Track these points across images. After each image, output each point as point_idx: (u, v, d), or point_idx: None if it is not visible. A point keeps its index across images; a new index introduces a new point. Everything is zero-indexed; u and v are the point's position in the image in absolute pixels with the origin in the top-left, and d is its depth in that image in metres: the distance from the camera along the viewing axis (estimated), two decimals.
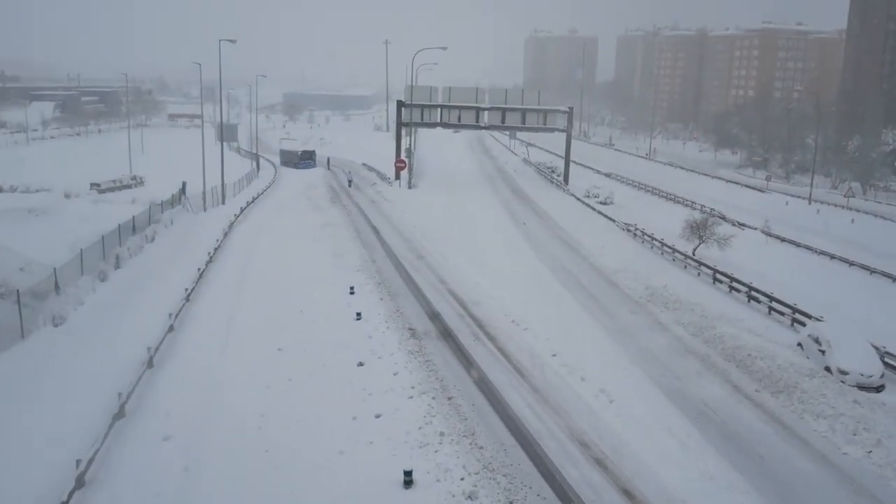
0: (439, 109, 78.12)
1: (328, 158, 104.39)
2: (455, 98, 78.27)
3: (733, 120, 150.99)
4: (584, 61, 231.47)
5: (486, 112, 78.29)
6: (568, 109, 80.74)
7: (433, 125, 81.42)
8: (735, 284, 39.11)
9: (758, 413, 24.22)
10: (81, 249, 32.32)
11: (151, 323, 28.46)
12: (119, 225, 38.78)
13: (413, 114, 78.04)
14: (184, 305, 31.42)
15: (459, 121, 79.06)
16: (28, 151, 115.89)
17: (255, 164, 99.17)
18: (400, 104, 78.44)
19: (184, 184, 58.15)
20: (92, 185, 72.03)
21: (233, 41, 61.71)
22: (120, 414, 20.99)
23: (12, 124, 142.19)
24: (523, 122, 79.45)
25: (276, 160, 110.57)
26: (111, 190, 72.06)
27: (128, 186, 75.00)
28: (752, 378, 27.02)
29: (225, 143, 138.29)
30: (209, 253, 40.72)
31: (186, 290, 33.16)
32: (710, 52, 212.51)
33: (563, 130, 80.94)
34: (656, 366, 27.98)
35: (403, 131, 79.56)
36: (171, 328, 28.47)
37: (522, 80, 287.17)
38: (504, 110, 77.91)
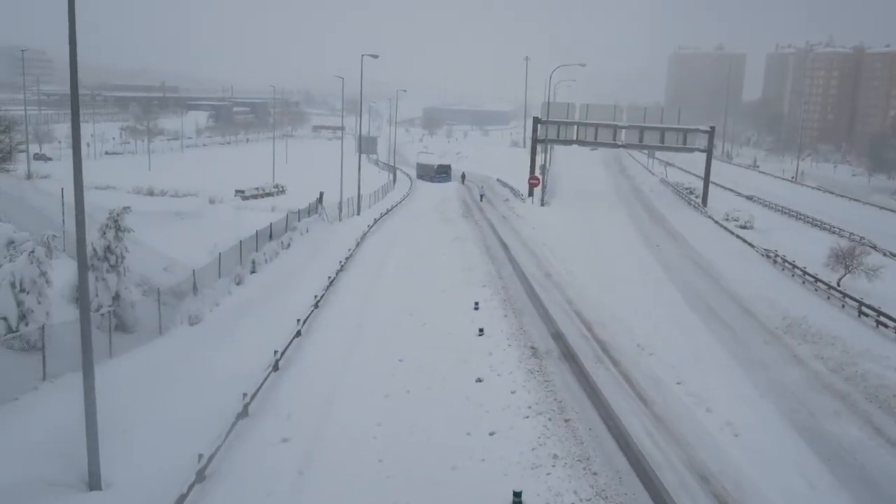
0: (576, 127, 77.69)
1: (463, 173, 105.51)
2: (592, 115, 77.63)
3: (890, 143, 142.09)
4: (729, 79, 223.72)
5: (623, 130, 77.19)
6: (709, 129, 78.28)
7: (569, 142, 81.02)
8: (882, 319, 36.61)
9: None
10: (220, 253, 34.02)
11: (280, 327, 29.55)
12: (257, 231, 40.60)
13: (549, 130, 77.88)
14: (312, 312, 32.48)
15: (596, 138, 78.28)
16: (181, 157, 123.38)
17: (391, 176, 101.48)
18: (536, 120, 78.49)
19: (321, 194, 60.14)
20: (236, 191, 75.77)
21: (375, 56, 63.50)
22: (243, 413, 21.86)
23: (170, 132, 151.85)
24: (662, 142, 77.76)
25: (413, 173, 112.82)
26: (254, 197, 75.55)
27: (270, 194, 78.42)
28: None
29: (364, 155, 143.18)
30: (340, 262, 41.98)
31: (316, 297, 34.24)
32: (867, 71, 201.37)
33: (703, 151, 78.55)
34: (789, 401, 26.54)
35: (539, 148, 79.45)
36: (298, 333, 29.46)
37: (664, 98, 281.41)
38: (642, 129, 76.56)
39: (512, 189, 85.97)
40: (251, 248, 39.35)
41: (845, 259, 44.63)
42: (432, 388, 25.39)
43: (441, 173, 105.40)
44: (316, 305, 33.59)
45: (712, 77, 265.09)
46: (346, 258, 43.85)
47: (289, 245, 45.62)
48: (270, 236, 43.33)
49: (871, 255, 45.77)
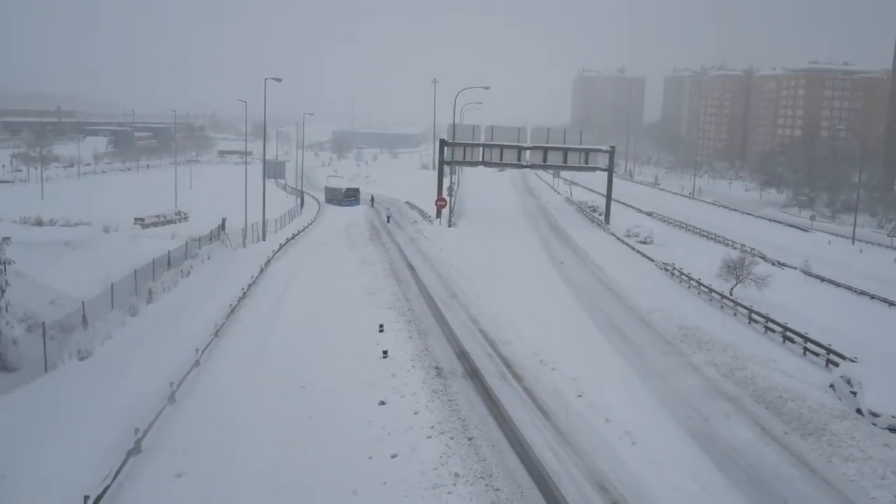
0: (482, 148, 78.67)
1: (372, 196, 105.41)
2: (497, 137, 78.80)
3: (779, 159, 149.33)
4: (630, 101, 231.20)
5: (527, 151, 78.64)
6: (609, 149, 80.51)
7: (475, 164, 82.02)
8: (770, 325, 38.36)
9: (785, 456, 23.61)
10: (112, 284, 33.01)
11: (178, 357, 28.88)
12: (153, 259, 39.59)
13: (455, 152, 78.72)
14: (212, 341, 31.84)
15: (501, 160, 79.50)
16: (78, 185, 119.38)
17: (299, 200, 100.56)
18: (443, 143, 79.23)
19: (223, 220, 59.25)
20: (136, 219, 73.79)
21: (278, 80, 63.00)
22: (136, 449, 21.20)
23: (65, 158, 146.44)
24: (565, 162, 79.56)
25: (322, 197, 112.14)
26: (155, 225, 73.76)
27: (172, 221, 76.65)
28: (782, 420, 26.38)
29: (273, 180, 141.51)
30: (243, 289, 41.31)
31: (216, 325, 33.61)
32: (756, 92, 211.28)
33: (604, 170, 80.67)
34: (684, 407, 27.48)
35: (447, 169, 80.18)
36: (196, 363, 28.85)
37: (570, 120, 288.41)
38: (546, 149, 78.19)
39: (420, 211, 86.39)
40: (148, 277, 38.31)
41: (736, 270, 46.56)
42: (335, 413, 25.22)
43: (349, 197, 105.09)
44: (216, 334, 32.96)
45: (615, 99, 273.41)
46: (249, 285, 43.18)
47: (189, 273, 44.64)
48: (168, 264, 42.32)
49: (759, 265, 47.83)
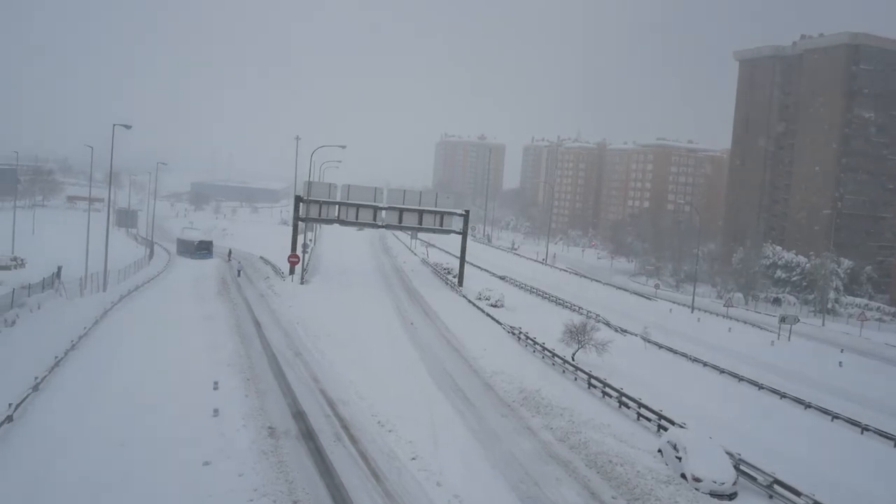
0: (337, 206, 78.28)
1: (230, 250, 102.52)
2: (354, 196, 78.67)
3: (628, 229, 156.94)
4: (488, 166, 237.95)
5: (383, 211, 78.87)
6: (464, 212, 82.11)
7: (330, 221, 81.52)
8: (607, 390, 39.54)
9: None
10: None
11: None
12: None
13: (311, 209, 77.97)
14: (28, 395, 29.62)
15: (357, 219, 79.24)
16: None
17: (148, 251, 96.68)
18: (298, 199, 78.36)
19: (59, 268, 56.14)
20: None
21: (128, 126, 60.88)
22: None
23: None
24: (420, 223, 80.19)
25: (174, 249, 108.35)
26: None
27: (6, 268, 71.76)
28: (611, 485, 27.00)
29: (124, 230, 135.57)
30: (72, 341, 38.83)
31: (36, 378, 31.36)
32: (608, 164, 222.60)
33: (458, 232, 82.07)
34: (517, 471, 27.67)
35: (304, 226, 79.24)
36: (9, 418, 26.71)
37: (432, 182, 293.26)
38: (401, 210, 78.64)
39: (274, 267, 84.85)
40: None
41: (578, 335, 47.92)
42: (154, 472, 23.85)
43: (202, 249, 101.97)
44: (35, 388, 30.72)
45: (475, 164, 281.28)
46: (80, 337, 40.66)
47: (14, 322, 41.66)
48: None
49: (600, 330, 49.41)
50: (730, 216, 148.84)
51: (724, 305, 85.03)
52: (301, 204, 77.55)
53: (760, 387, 46.89)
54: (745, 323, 78.25)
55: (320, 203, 77.70)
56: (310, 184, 78.50)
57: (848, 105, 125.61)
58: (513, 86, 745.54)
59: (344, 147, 78.86)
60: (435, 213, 79.37)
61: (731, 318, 79.11)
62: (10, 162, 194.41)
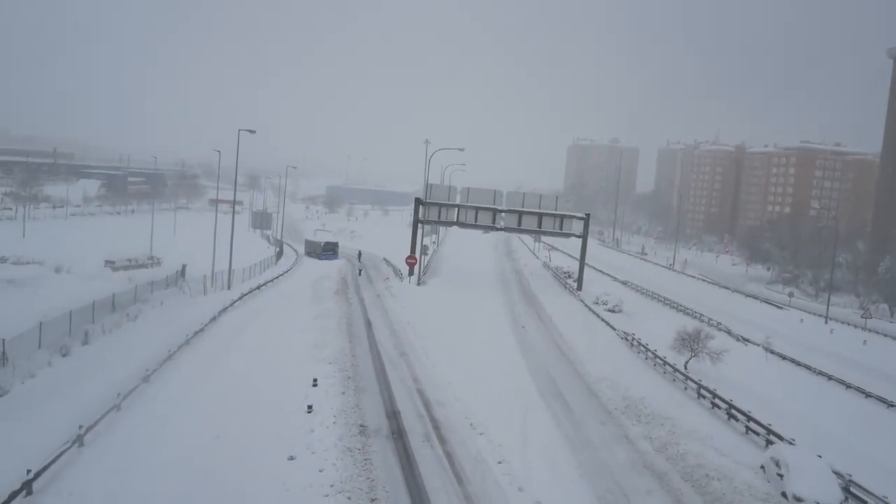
0: (456, 209, 78.74)
1: (359, 251, 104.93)
2: (473, 198, 78.90)
3: (766, 235, 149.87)
4: (619, 170, 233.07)
5: (502, 214, 78.73)
6: (584, 216, 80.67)
7: (449, 224, 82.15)
8: (716, 400, 37.78)
9: None
10: (40, 322, 32.53)
11: (99, 401, 28.25)
12: (94, 301, 39.09)
13: (430, 212, 78.82)
14: (137, 386, 31.21)
15: (476, 221, 79.39)
16: (62, 226, 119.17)
17: (278, 250, 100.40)
18: (418, 202, 79.38)
19: (183, 266, 59.01)
20: (106, 262, 73.44)
21: (252, 132, 63.42)
22: (25, 490, 20.55)
23: (56, 199, 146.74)
24: (539, 226, 79.50)
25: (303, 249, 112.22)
26: (125, 268, 73.22)
27: (143, 266, 76.21)
28: (704, 500, 25.73)
29: (259, 231, 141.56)
30: (187, 336, 40.70)
31: (147, 370, 33.03)
32: (747, 168, 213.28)
33: (578, 236, 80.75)
34: (606, 481, 26.79)
35: (428, 228, 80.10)
36: (117, 407, 28.24)
37: (563, 186, 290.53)
38: (521, 213, 78.17)
39: (395, 268, 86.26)
40: (87, 318, 37.77)
41: (691, 342, 46.05)
42: (240, 465, 24.54)
43: (328, 251, 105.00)
44: (146, 379, 32.38)
45: (608, 168, 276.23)
46: (196, 332, 42.57)
47: (136, 317, 44.11)
48: (113, 307, 41.84)
49: (714, 338, 47.27)
50: (878, 223, 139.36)
51: (861, 317, 79.64)
52: (421, 206, 78.52)
53: (890, 404, 43.53)
54: (886, 336, 73.01)
55: (440, 205, 78.37)
56: (430, 186, 79.23)
57: None
58: (647, 89, 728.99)
59: (462, 150, 79.32)
60: (555, 216, 78.41)
61: (869, 331, 74.02)
62: (159, 167, 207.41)
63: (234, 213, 68.78)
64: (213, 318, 47.51)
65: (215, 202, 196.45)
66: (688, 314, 70.92)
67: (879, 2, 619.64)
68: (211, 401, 31.30)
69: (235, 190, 69.23)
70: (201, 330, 43.73)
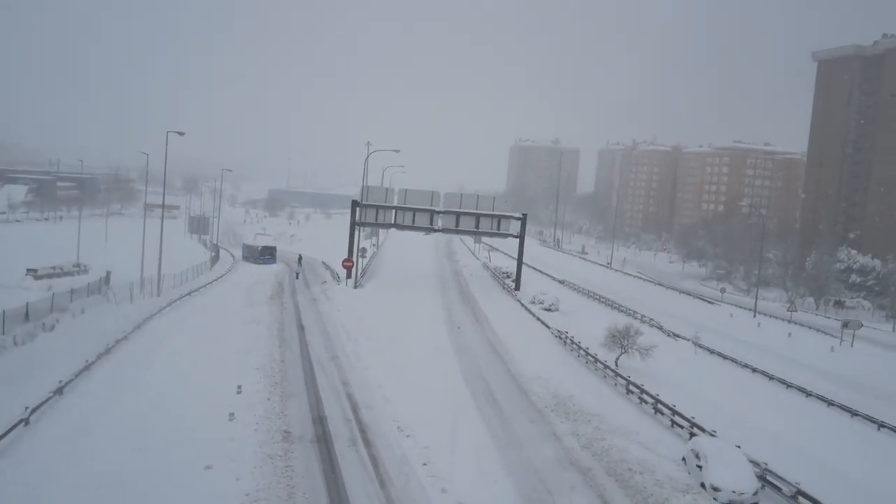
0: (394, 211, 78.32)
1: (299, 255, 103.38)
2: (410, 200, 78.57)
3: (700, 233, 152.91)
4: (562, 171, 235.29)
5: (440, 215, 78.61)
6: (521, 216, 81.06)
7: (387, 226, 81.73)
8: (644, 396, 38.23)
9: None
10: None
11: (6, 416, 27.16)
12: (3, 311, 37.67)
13: (367, 214, 78.34)
14: (49, 398, 30.15)
15: (414, 223, 79.06)
16: None
17: (214, 255, 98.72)
18: (355, 204, 78.80)
19: (107, 273, 57.60)
20: (28, 270, 71.10)
21: (181, 133, 62.25)
22: None
23: None
24: (477, 227, 79.65)
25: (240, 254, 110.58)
26: (49, 276, 70.93)
27: (69, 274, 73.95)
28: (626, 493, 25.91)
29: (197, 236, 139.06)
30: (108, 346, 39.50)
31: (60, 381, 31.96)
32: (683, 168, 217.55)
33: (516, 236, 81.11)
34: (531, 479, 26.79)
35: (370, 230, 79.35)
36: (25, 422, 27.21)
37: (506, 187, 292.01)
38: (458, 214, 78.16)
39: (332, 271, 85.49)
40: None
41: (621, 339, 46.54)
42: (156, 478, 23.82)
43: (266, 255, 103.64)
44: (59, 392, 31.30)
45: (549, 169, 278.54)
46: (117, 341, 41.34)
47: (53, 327, 42.67)
48: (27, 317, 40.41)
49: (643, 334, 47.84)
50: (806, 219, 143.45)
51: (787, 310, 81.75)
52: (358, 208, 77.94)
53: (808, 394, 44.78)
54: (809, 328, 75.15)
55: (377, 207, 77.88)
56: (366, 188, 78.68)
57: None
58: (585, 92, 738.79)
59: (398, 151, 78.98)
60: (492, 216, 78.60)
61: (794, 323, 76.03)
62: (93, 171, 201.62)
63: (163, 217, 67.34)
64: (138, 326, 46.27)
65: (150, 207, 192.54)
66: (622, 311, 71.79)
67: (807, 6, 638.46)
68: (130, 412, 30.36)
69: (164, 193, 67.83)
70: (124, 338, 42.50)
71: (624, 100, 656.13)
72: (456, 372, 42.64)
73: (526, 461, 28.66)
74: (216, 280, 77.81)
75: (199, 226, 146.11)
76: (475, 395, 37.84)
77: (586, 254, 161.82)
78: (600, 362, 45.33)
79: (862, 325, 67.90)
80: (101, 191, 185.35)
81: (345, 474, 25.64)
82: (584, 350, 48.23)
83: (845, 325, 66.52)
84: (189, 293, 63.92)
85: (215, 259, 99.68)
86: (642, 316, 66.70)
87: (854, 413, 41.12)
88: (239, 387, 34.00)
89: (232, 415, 29.99)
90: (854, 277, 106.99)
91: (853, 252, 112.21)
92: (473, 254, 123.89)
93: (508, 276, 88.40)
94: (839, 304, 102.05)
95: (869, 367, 57.65)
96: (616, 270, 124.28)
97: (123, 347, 41.12)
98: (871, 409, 41.64)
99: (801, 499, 25.16)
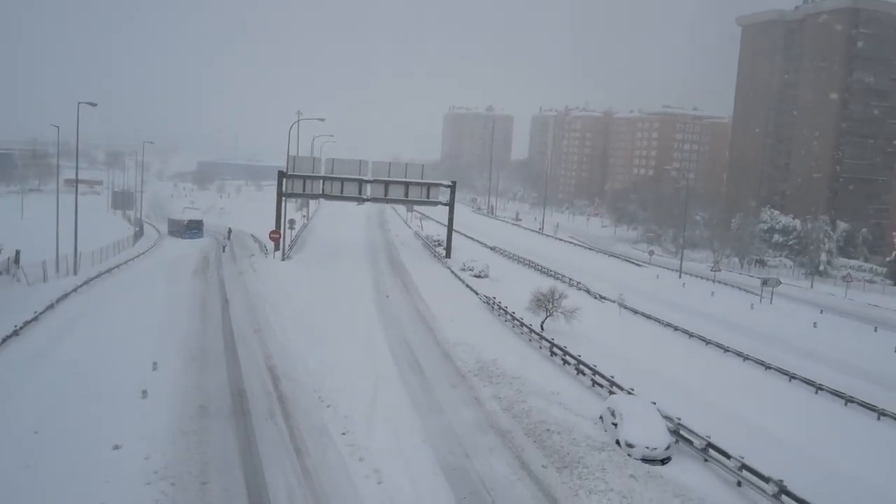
0: (322, 181, 77.31)
1: (229, 229, 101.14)
2: (338, 170, 77.64)
3: (631, 197, 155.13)
4: (496, 138, 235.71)
5: (368, 185, 77.92)
6: (451, 184, 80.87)
7: (315, 196, 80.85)
8: (567, 357, 38.67)
9: (533, 491, 23.34)
10: None
11: None
12: None
13: (295, 184, 77.27)
14: None
15: (342, 193, 78.27)
16: None
17: (137, 230, 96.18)
18: (281, 174, 77.56)
19: (17, 251, 55.56)
20: None
21: (93, 104, 59.94)
22: None
23: None
24: (406, 196, 79.31)
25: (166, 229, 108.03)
26: None
27: None
28: (544, 453, 26.17)
29: (121, 212, 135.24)
30: (15, 327, 38.03)
31: None
32: (614, 133, 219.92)
33: (445, 204, 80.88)
34: (449, 443, 26.85)
35: (301, 201, 78.13)
36: None
37: (441, 155, 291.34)
38: (387, 183, 77.62)
39: (261, 244, 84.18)
40: None
41: (546, 302, 46.89)
42: (59, 460, 23.07)
43: (192, 229, 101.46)
44: None
45: (483, 136, 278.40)
46: (27, 322, 39.71)
47: None
48: None
49: (568, 297, 48.26)
50: (731, 182, 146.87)
51: (711, 270, 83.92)
52: (284, 179, 76.73)
53: (726, 349, 46.10)
54: (732, 286, 77.37)
55: (304, 178, 76.78)
56: (293, 158, 77.42)
57: (848, 70, 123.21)
58: (521, 57, 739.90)
59: (323, 120, 77.82)
60: (421, 185, 78.29)
61: (718, 283, 78.02)
62: (8, 146, 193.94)
63: (76, 191, 65.10)
64: (51, 306, 44.67)
65: (70, 183, 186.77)
66: (551, 276, 72.41)
67: None
68: (35, 395, 29.25)
69: (77, 167, 65.73)
70: (34, 319, 40.98)
71: (556, 66, 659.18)
72: (381, 341, 42.47)
73: (446, 426, 28.72)
74: (138, 256, 75.91)
75: (122, 201, 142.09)
76: (399, 363, 37.75)
77: (520, 220, 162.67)
78: (525, 326, 45.67)
79: (780, 283, 70.04)
80: (17, 167, 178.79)
81: (261, 448, 25.28)
82: (511, 314, 48.51)
83: (764, 282, 68.52)
84: (108, 270, 62.14)
85: (139, 235, 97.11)
86: (570, 279, 67.44)
87: (767, 366, 42.42)
88: (154, 363, 33.17)
89: (145, 392, 29.23)
90: (776, 237, 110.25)
91: (776, 213, 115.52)
92: (406, 223, 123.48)
93: (440, 245, 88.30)
94: (761, 262, 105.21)
95: (784, 323, 59.53)
96: (548, 236, 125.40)
97: (33, 329, 39.63)
98: (785, 363, 43.01)
99: (710, 451, 25.75)
